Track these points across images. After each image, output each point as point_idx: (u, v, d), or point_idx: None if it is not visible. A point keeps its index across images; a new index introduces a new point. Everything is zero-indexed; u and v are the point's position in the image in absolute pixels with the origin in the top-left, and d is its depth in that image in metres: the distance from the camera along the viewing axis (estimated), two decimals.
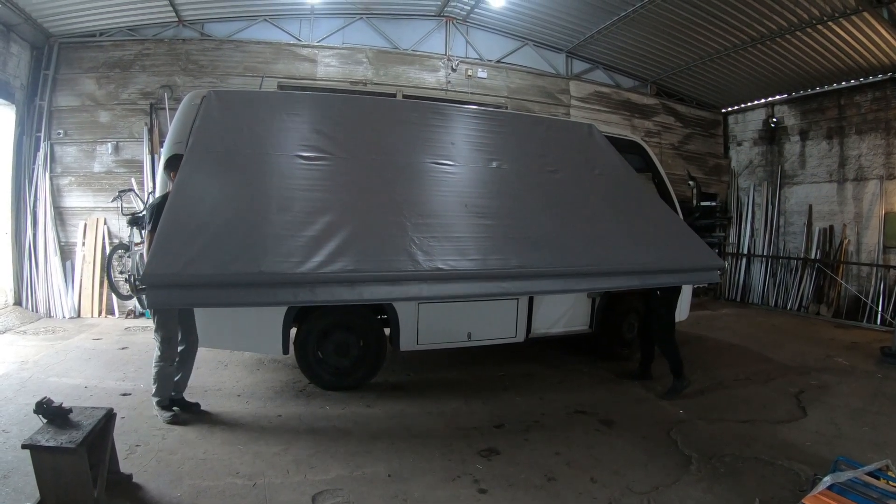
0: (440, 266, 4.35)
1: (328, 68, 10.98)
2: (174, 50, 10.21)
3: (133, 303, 9.22)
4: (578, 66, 12.91)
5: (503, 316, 6.48)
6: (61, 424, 3.37)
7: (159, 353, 4.87)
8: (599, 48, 12.24)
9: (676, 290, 6.31)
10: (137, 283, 5.23)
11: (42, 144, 9.54)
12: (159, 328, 4.86)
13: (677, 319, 7.28)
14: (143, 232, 5.46)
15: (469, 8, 11.23)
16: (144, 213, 5.27)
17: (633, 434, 5.08)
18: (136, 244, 6.63)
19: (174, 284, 3.75)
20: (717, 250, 13.53)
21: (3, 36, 8.80)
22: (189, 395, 5.38)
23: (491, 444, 4.76)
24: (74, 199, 9.77)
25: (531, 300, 6.58)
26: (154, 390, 4.93)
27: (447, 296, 4.96)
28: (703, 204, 7.51)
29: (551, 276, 4.88)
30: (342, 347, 5.99)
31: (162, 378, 4.89)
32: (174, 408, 4.98)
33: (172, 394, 5.16)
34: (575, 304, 6.96)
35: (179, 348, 5.08)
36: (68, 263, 9.59)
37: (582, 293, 6.89)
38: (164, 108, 9.85)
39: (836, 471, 3.36)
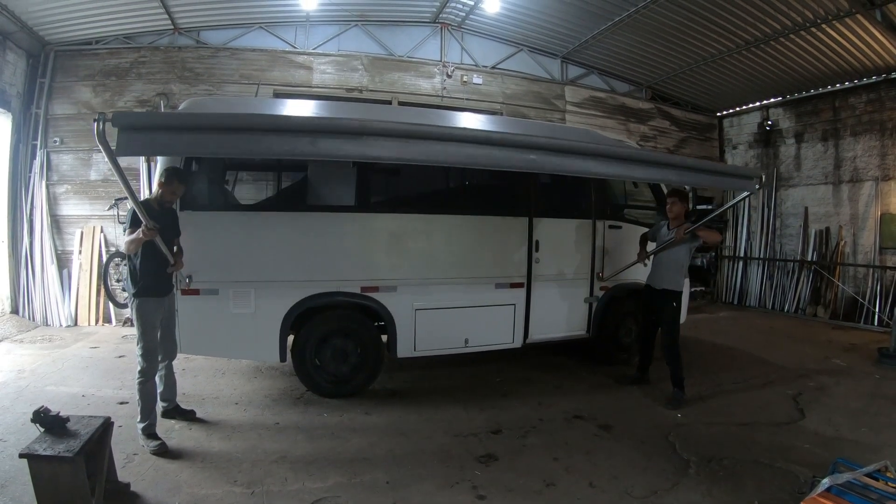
0: (462, 126, 3.95)
1: (324, 75, 10.99)
2: (170, 58, 10.22)
3: (129, 311, 9.20)
4: (574, 71, 12.94)
5: (500, 322, 6.50)
6: (59, 433, 3.36)
7: (140, 368, 4.66)
8: (594, 53, 12.28)
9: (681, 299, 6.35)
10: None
11: (38, 152, 9.53)
12: (140, 339, 4.66)
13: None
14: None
15: (464, 14, 11.25)
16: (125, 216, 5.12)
17: (631, 438, 5.08)
18: None
19: (151, 126, 3.43)
20: (713, 254, 13.59)
21: None
22: (186, 403, 5.38)
23: (489, 450, 4.76)
24: (71, 207, 9.75)
25: (528, 306, 6.60)
26: (139, 416, 4.65)
27: (467, 162, 4.25)
28: (699, 207, 7.54)
29: (590, 156, 4.48)
30: (340, 354, 5.99)
31: (145, 397, 4.65)
32: (160, 437, 4.68)
33: (165, 405, 5.12)
34: (572, 309, 6.97)
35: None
36: (65, 272, 9.56)
37: (579, 295, 6.95)
38: None
39: (835, 472, 3.36)
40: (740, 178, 5.67)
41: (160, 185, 4.79)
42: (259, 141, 3.51)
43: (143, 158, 9.67)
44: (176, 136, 3.42)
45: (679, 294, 6.24)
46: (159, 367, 4.94)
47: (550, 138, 4.22)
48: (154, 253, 4.69)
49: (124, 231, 4.68)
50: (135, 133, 3.27)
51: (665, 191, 7.39)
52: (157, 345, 4.81)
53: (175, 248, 4.90)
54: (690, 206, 6.81)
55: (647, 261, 6.53)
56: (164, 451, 4.52)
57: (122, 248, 4.58)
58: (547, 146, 4.31)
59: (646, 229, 6.78)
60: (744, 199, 5.92)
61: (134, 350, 4.73)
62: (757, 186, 5.44)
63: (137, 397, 4.66)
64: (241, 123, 3.54)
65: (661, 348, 6.31)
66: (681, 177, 5.08)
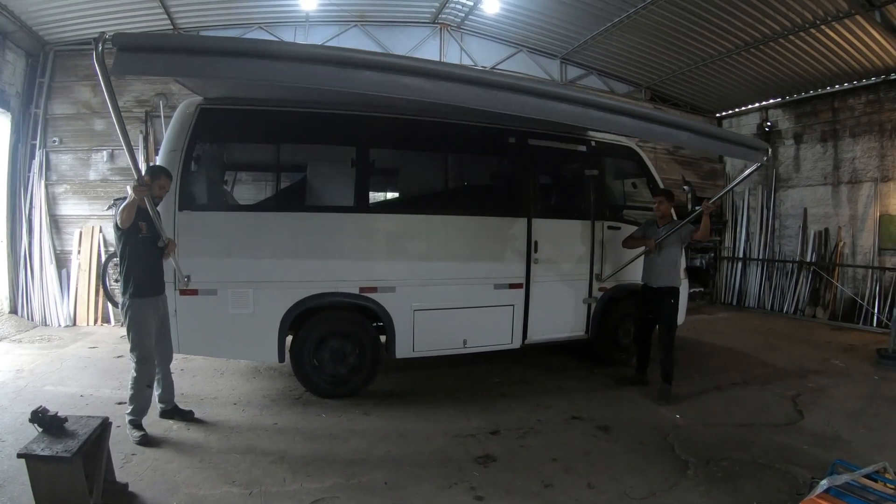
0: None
1: None
2: None
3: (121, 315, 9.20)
4: (573, 72, 12.93)
5: (499, 322, 6.50)
6: (57, 433, 3.36)
7: (135, 376, 4.67)
8: (593, 54, 12.27)
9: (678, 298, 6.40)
10: None
11: (37, 152, 9.52)
12: (135, 347, 4.66)
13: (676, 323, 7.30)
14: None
15: (463, 15, 11.25)
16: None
17: (630, 439, 5.08)
18: None
19: (152, 47, 3.36)
20: (712, 255, 13.59)
21: None
22: (185, 404, 5.37)
23: (488, 450, 4.76)
24: (70, 207, 9.75)
25: (527, 307, 6.60)
26: (130, 409, 4.69)
27: (462, 100, 3.92)
28: (697, 208, 7.54)
29: (605, 109, 4.44)
30: (338, 355, 5.97)
31: (139, 399, 4.69)
32: (145, 428, 4.74)
33: (163, 405, 5.12)
34: (571, 310, 6.97)
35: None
36: (64, 272, 9.56)
37: (578, 296, 6.97)
38: (160, 116, 9.86)
39: (834, 474, 3.36)
40: (748, 147, 5.63)
41: (147, 181, 4.61)
42: (261, 66, 3.45)
43: (141, 158, 9.66)
44: (176, 58, 3.38)
45: (676, 291, 6.26)
46: (156, 371, 4.95)
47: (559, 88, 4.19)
48: (145, 252, 4.69)
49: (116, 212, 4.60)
50: (134, 53, 3.24)
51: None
52: (153, 352, 4.79)
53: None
54: (690, 206, 6.81)
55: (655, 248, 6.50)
56: (146, 442, 4.59)
57: (118, 220, 4.51)
58: (561, 95, 4.30)
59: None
60: (753, 172, 5.88)
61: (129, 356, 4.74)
62: (765, 158, 5.45)
63: (129, 398, 4.71)
64: (244, 48, 3.51)
65: (658, 348, 6.33)
66: (692, 139, 5.05)
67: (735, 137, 5.53)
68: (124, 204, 4.41)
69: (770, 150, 5.57)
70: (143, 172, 4.85)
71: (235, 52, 3.44)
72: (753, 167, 5.80)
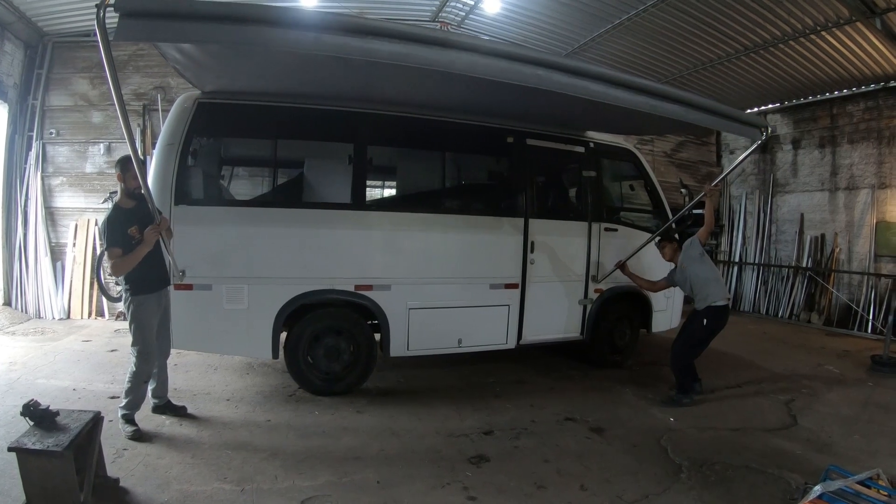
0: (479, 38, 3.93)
1: None
2: None
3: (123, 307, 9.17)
4: None
5: (494, 322, 6.49)
6: (48, 427, 3.34)
7: (134, 370, 4.64)
8: (593, 56, 12.22)
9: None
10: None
11: (34, 144, 9.50)
12: (136, 343, 4.64)
13: (669, 326, 7.32)
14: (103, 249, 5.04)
15: (464, 14, 11.23)
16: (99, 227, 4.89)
17: (623, 442, 5.08)
18: None
19: (153, 13, 3.26)
20: None
21: None
22: (177, 399, 5.36)
23: (481, 451, 4.75)
24: (66, 200, 9.73)
25: (522, 308, 6.60)
26: (124, 403, 4.67)
27: (476, 71, 3.88)
28: (695, 212, 7.52)
29: (601, 80, 4.37)
30: (332, 352, 5.95)
31: (134, 394, 4.67)
32: (138, 424, 4.72)
33: (156, 401, 5.11)
34: (566, 311, 6.96)
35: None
36: (59, 264, 9.54)
37: (574, 297, 6.98)
38: (157, 110, 9.82)
39: (827, 479, 3.37)
40: (746, 124, 5.54)
41: (120, 176, 4.58)
42: (272, 35, 3.37)
43: (140, 151, 9.62)
44: (180, 23, 3.27)
45: (704, 311, 6.40)
46: (154, 371, 4.93)
47: (562, 60, 4.30)
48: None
49: (102, 247, 4.54)
50: (137, 18, 3.18)
51: (660, 192, 7.44)
52: (154, 347, 4.77)
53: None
54: (688, 212, 6.83)
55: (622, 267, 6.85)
56: (139, 436, 4.58)
57: (111, 271, 4.50)
58: (549, 63, 4.22)
59: (640, 231, 7.23)
60: (753, 151, 5.84)
61: (127, 343, 4.72)
62: (763, 136, 5.44)
63: (125, 391, 4.68)
64: (254, 14, 3.37)
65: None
66: (688, 114, 4.94)
67: (732, 113, 5.43)
68: (131, 255, 4.39)
69: (769, 128, 5.52)
70: (115, 169, 4.71)
71: (243, 18, 3.34)
72: (753, 146, 5.75)
